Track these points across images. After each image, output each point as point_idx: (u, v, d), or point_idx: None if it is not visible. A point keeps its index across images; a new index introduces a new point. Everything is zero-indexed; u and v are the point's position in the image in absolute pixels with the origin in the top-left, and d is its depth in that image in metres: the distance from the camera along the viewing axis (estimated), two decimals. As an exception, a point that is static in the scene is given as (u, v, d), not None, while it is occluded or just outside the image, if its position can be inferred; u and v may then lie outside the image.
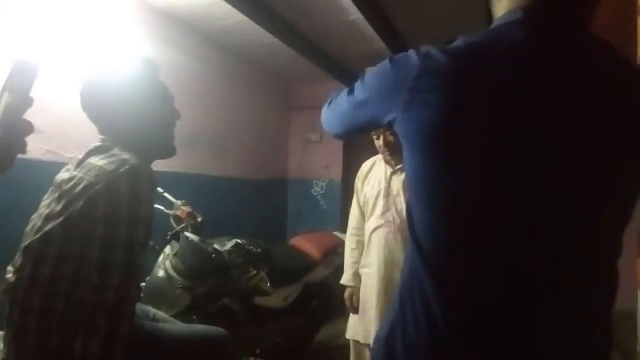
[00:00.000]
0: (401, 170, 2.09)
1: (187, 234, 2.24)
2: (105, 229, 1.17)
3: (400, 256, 1.99)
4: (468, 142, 0.73)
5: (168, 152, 1.45)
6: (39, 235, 1.23)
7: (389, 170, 2.14)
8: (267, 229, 4.48)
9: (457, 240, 0.76)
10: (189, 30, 3.39)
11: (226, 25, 3.34)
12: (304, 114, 5.00)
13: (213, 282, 2.20)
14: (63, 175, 1.33)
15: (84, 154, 1.34)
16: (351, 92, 0.96)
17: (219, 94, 3.84)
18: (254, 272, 2.45)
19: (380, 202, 2.11)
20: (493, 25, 0.82)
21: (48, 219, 1.25)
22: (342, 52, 3.95)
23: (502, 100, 0.72)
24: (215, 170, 3.83)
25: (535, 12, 0.77)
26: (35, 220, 1.31)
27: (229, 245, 2.39)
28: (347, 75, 4.50)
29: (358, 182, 2.28)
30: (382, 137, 2.08)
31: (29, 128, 0.78)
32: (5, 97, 0.75)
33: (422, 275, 0.78)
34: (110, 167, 1.22)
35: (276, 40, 3.46)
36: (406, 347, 0.79)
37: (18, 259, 1.28)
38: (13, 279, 1.25)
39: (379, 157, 2.23)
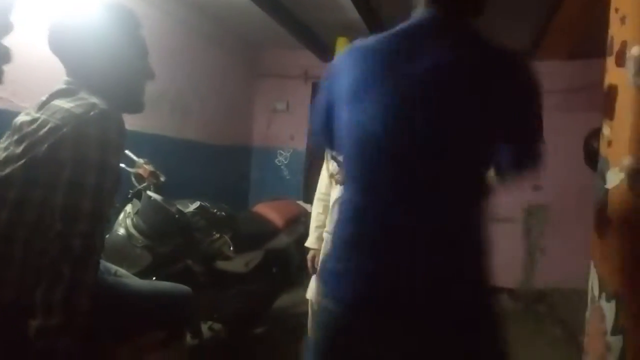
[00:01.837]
0: None
1: (150, 192, 2.18)
2: (72, 173, 1.12)
3: None
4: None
5: (137, 106, 1.41)
6: None
7: None
8: (228, 195, 4.42)
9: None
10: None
11: (196, -20, 3.20)
12: (271, 81, 4.92)
13: (175, 243, 2.16)
14: (23, 117, 1.25)
15: (46, 96, 1.27)
16: None
17: (184, 52, 3.70)
18: (217, 235, 2.43)
19: None
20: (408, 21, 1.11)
21: (6, 162, 1.18)
22: (314, 19, 3.88)
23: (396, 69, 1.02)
24: (176, 132, 3.72)
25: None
26: None
27: (192, 206, 2.35)
28: (317, 44, 4.44)
29: (327, 152, 2.29)
30: None
31: (6, 55, 0.72)
32: None
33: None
34: (78, 110, 1.16)
35: (247, 0, 3.35)
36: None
37: None
38: None
39: None
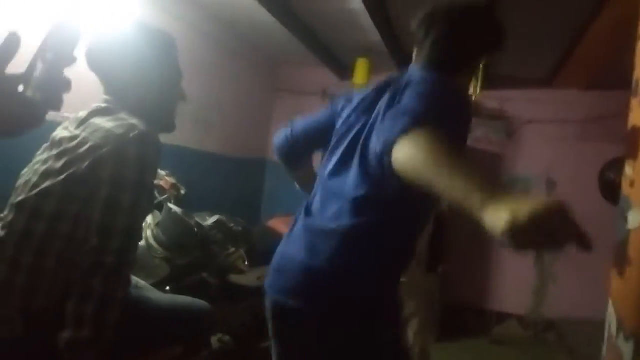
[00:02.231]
0: None
1: (170, 205, 2.22)
2: (110, 191, 1.15)
3: None
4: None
5: (170, 126, 1.46)
6: (35, 191, 1.20)
7: None
8: (242, 207, 4.46)
9: None
10: (183, -3, 3.31)
11: (222, -3, 3.27)
12: (289, 96, 4.97)
13: (193, 255, 2.19)
14: (62, 132, 1.30)
15: (85, 113, 1.31)
16: None
17: (206, 64, 3.76)
18: (233, 249, 2.46)
19: None
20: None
21: (46, 175, 1.22)
22: (335, 39, 3.94)
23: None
24: (197, 144, 3.77)
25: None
26: (29, 175, 1.27)
27: (211, 220, 2.39)
28: (337, 63, 4.49)
29: None
30: None
31: (67, 86, 0.76)
32: (45, 54, 0.73)
33: None
34: (119, 131, 1.20)
35: (271, 18, 3.41)
36: None
37: (8, 214, 1.25)
38: (2, 234, 1.22)
39: None
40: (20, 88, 0.72)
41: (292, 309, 1.19)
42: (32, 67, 0.73)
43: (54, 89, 0.75)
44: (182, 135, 3.50)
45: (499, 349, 3.99)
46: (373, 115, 1.21)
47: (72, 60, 0.76)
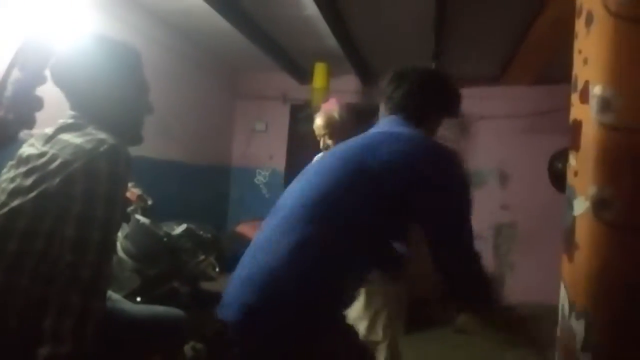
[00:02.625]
0: None
1: (138, 216, 2.21)
2: (83, 206, 1.16)
3: None
4: None
5: (137, 139, 1.46)
6: (4, 210, 1.19)
7: None
8: (208, 215, 4.44)
9: None
10: (137, 7, 3.28)
11: (178, 5, 3.26)
12: (250, 102, 4.99)
13: (163, 265, 2.19)
14: (29, 150, 1.29)
15: (52, 129, 1.31)
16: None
17: (165, 74, 3.74)
18: (203, 257, 2.46)
19: None
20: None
21: (15, 193, 1.21)
22: (293, 44, 4.00)
23: None
24: (158, 153, 3.74)
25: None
26: None
27: (179, 229, 2.39)
28: (296, 68, 4.55)
29: None
30: (322, 140, 2.21)
31: (38, 104, 0.78)
32: (15, 73, 0.75)
33: None
34: (88, 146, 1.20)
35: (228, 25, 3.43)
36: None
37: None
38: None
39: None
40: None
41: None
42: (1, 87, 0.75)
43: (26, 108, 0.77)
44: (144, 146, 3.45)
45: (463, 337, 4.15)
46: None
47: (42, 79, 0.78)
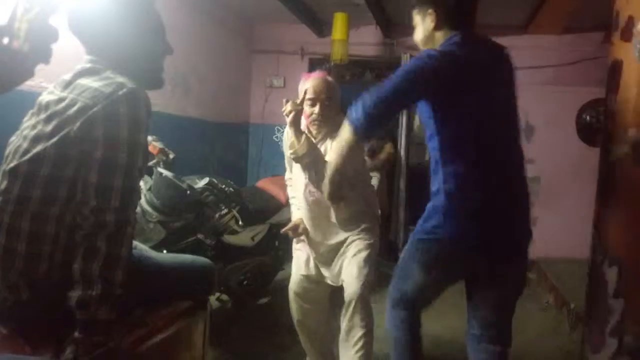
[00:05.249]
0: (323, 140, 2.05)
1: (160, 169, 2.21)
2: (104, 151, 1.15)
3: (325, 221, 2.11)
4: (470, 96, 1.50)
5: (158, 82, 1.43)
6: (27, 157, 1.18)
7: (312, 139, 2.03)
8: (227, 172, 4.45)
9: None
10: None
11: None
12: (267, 57, 4.88)
13: (187, 218, 2.20)
14: (47, 96, 1.27)
15: (70, 75, 1.28)
16: (393, 83, 1.44)
17: (181, 29, 3.66)
18: (225, 210, 2.47)
19: (305, 172, 2.02)
20: (448, 43, 1.53)
21: (36, 140, 1.20)
22: (311, -6, 3.86)
23: (477, 73, 1.50)
24: (177, 109, 3.71)
25: (464, 34, 1.54)
26: (19, 142, 1.25)
27: (202, 182, 2.38)
28: (314, 20, 4.41)
29: (285, 148, 2.14)
30: (318, 105, 2.00)
31: (54, 35, 0.74)
32: (26, 5, 0.71)
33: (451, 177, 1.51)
34: (107, 89, 1.17)
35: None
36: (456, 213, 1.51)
37: (1, 181, 1.23)
38: None
39: (304, 122, 2.07)
40: (5, 40, 0.70)
41: None
42: (13, 17, 0.71)
43: (41, 39, 0.73)
44: (162, 101, 3.44)
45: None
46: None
47: (54, 6, 0.74)
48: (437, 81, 1.44)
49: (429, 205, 1.56)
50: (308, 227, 2.16)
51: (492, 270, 1.56)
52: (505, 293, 1.61)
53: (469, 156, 1.49)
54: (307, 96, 1.98)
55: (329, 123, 2.03)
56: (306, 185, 2.06)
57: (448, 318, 3.35)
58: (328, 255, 2.14)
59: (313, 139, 2.02)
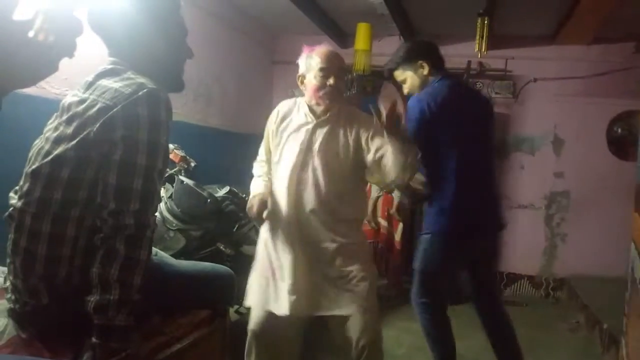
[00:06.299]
0: (326, 121, 1.84)
1: (181, 177, 2.20)
2: (124, 153, 1.13)
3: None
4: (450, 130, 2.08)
5: (178, 85, 1.42)
6: (48, 159, 1.18)
7: (311, 119, 1.85)
8: (246, 183, 4.44)
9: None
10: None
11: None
12: (288, 68, 4.87)
13: (207, 227, 2.18)
14: (70, 99, 1.27)
15: (92, 76, 1.27)
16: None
17: (204, 38, 3.69)
18: (245, 220, 2.44)
19: (299, 157, 1.83)
20: (433, 85, 2.14)
21: (58, 141, 1.19)
22: (334, 4, 3.85)
23: (456, 112, 2.09)
24: (199, 119, 3.73)
25: (446, 74, 2.19)
26: (41, 144, 1.24)
27: (222, 191, 2.37)
28: (336, 31, 4.41)
29: (271, 126, 1.98)
30: (333, 76, 1.79)
31: (79, 28, 0.73)
32: None
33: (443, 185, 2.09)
34: (127, 90, 1.16)
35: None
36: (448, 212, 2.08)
37: (23, 183, 1.22)
38: (19, 204, 1.20)
39: (299, 101, 1.94)
40: (31, 34, 0.69)
41: None
42: (38, 10, 0.70)
43: (65, 32, 0.72)
44: (184, 111, 3.46)
45: (512, 309, 3.99)
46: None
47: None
48: (431, 125, 2.01)
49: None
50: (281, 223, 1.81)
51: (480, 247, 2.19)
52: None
53: (452, 172, 2.04)
54: (320, 65, 1.79)
55: (339, 102, 1.85)
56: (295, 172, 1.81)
57: (471, 337, 3.25)
58: (307, 269, 1.77)
59: (316, 116, 1.84)
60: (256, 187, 1.97)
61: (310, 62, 1.84)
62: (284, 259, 1.78)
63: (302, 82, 1.90)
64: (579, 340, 3.26)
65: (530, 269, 4.35)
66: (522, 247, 4.35)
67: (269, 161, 2.02)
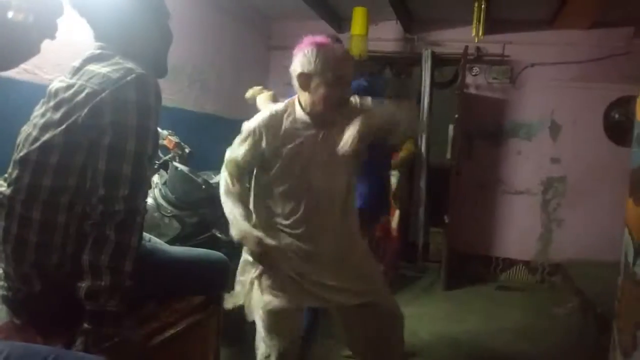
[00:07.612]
0: (329, 123, 1.64)
1: (176, 163, 2.19)
2: (113, 139, 1.12)
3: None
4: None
5: (162, 70, 1.40)
6: (36, 145, 1.16)
7: (313, 127, 1.65)
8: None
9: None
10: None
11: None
12: (285, 53, 4.83)
13: (202, 213, 2.17)
14: (57, 84, 1.25)
15: (79, 61, 1.26)
16: None
17: (199, 24, 3.65)
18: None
19: (296, 167, 1.66)
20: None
21: (45, 127, 1.18)
22: (330, -11, 3.81)
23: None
24: (194, 105, 3.70)
25: None
26: (29, 130, 1.23)
27: (217, 178, 2.35)
28: (333, 15, 4.36)
29: (265, 130, 1.70)
30: (342, 87, 1.59)
31: (59, 9, 0.72)
32: None
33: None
34: (115, 75, 1.15)
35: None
36: None
37: (12, 170, 1.21)
38: (8, 191, 1.19)
39: (294, 108, 1.72)
40: (10, 14, 0.68)
41: None
42: None
43: (45, 12, 0.71)
44: (179, 97, 3.43)
45: (506, 293, 4.05)
46: None
47: None
48: None
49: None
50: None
51: None
52: None
53: None
54: (339, 73, 1.55)
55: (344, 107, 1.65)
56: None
57: (468, 322, 3.28)
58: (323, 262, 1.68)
59: (318, 122, 1.65)
60: (241, 223, 1.66)
61: (321, 66, 1.56)
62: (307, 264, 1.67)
63: (302, 82, 1.63)
64: (574, 325, 3.29)
65: (526, 254, 4.37)
66: (518, 233, 4.37)
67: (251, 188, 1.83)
